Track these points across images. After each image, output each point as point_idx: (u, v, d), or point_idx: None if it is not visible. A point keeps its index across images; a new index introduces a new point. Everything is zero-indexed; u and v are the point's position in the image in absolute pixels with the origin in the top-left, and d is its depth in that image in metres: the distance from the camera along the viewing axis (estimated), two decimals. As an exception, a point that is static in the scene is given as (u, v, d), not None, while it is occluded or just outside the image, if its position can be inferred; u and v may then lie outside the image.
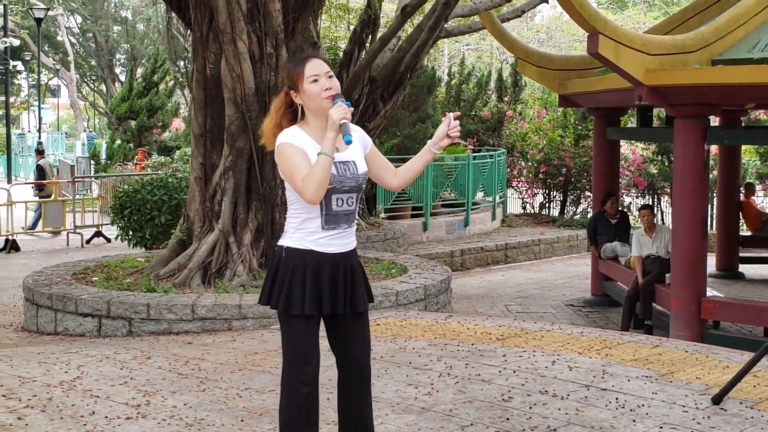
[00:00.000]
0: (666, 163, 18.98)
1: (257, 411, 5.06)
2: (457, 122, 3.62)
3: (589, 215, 19.10)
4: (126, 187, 11.90)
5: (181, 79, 28.20)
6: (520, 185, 20.27)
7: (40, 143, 29.80)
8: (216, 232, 8.32)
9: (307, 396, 3.60)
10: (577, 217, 18.82)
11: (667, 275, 9.94)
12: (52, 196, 17.97)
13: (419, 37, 13.20)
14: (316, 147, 3.52)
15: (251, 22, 8.18)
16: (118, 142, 25.05)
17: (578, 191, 19.20)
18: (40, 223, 16.92)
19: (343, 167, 3.57)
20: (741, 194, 13.49)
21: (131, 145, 24.79)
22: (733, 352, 6.34)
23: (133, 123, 24.94)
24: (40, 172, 19.39)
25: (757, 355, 4.97)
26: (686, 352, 6.28)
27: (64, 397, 5.39)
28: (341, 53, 14.41)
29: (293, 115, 3.68)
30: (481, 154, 17.56)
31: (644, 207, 10.94)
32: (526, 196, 20.35)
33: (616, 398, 5.13)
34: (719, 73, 8.60)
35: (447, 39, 27.08)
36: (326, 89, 3.55)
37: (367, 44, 14.06)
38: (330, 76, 3.59)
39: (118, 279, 8.50)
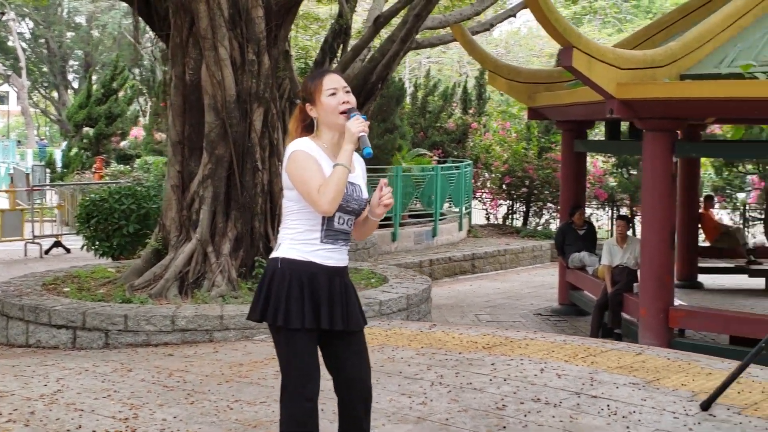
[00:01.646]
0: (625, 176, 19.27)
1: (250, 423, 4.99)
2: (389, 189, 3.59)
3: (552, 226, 19.38)
4: (92, 195, 11.69)
5: (140, 87, 27.86)
6: (483, 196, 20.41)
7: None
8: (193, 242, 8.20)
9: (311, 412, 3.52)
10: (540, 228, 18.99)
11: (635, 285, 10.07)
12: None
13: (391, 48, 13.23)
14: (327, 160, 3.50)
15: (233, 29, 8.11)
16: (75, 150, 24.63)
17: (541, 202, 19.38)
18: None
19: (351, 188, 3.54)
20: (700, 206, 13.71)
21: (88, 153, 24.36)
22: (713, 359, 6.45)
23: (91, 131, 24.54)
24: None
25: (743, 362, 5.04)
26: (668, 359, 6.37)
27: (46, 410, 5.25)
28: (311, 62, 14.37)
29: (309, 129, 3.64)
30: (447, 165, 17.63)
31: (620, 218, 11.08)
32: (489, 207, 20.50)
33: (608, 405, 5.18)
34: (688, 88, 8.75)
35: (408, 51, 27.11)
36: (343, 103, 3.53)
37: (338, 54, 14.06)
38: (347, 91, 3.57)
39: (90, 290, 8.33)
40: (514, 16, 15.61)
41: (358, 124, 3.45)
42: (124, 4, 39.34)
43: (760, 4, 9.23)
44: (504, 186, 19.34)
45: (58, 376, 6.13)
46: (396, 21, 14.16)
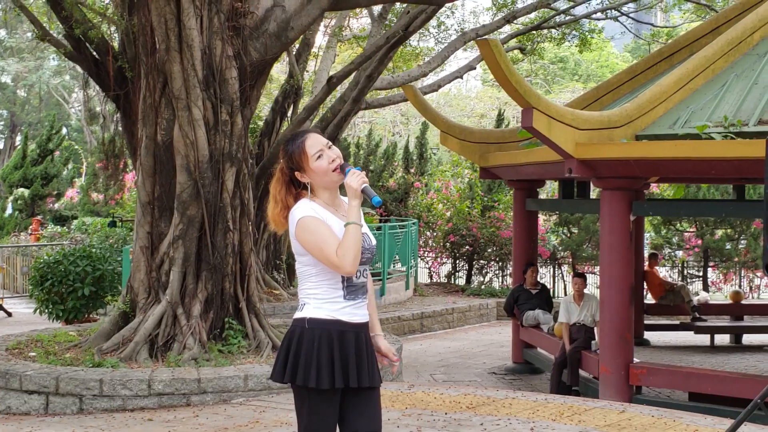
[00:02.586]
0: (567, 234, 19.67)
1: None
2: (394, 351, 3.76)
3: (495, 284, 19.60)
4: (46, 257, 11.40)
5: (75, 147, 27.41)
6: (426, 255, 20.54)
7: None
8: (163, 303, 8.06)
9: None
10: (483, 286, 19.17)
11: (593, 342, 10.20)
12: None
13: (342, 108, 13.41)
14: (332, 218, 3.53)
15: (207, 89, 8.11)
16: (9, 211, 24.03)
17: (484, 261, 19.60)
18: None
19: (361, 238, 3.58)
20: (645, 264, 14.04)
21: (23, 214, 23.79)
22: (695, 415, 6.58)
23: (26, 191, 24.00)
24: None
25: (739, 419, 5.15)
26: (652, 416, 6.48)
27: (36, 479, 5.07)
28: (261, 122, 14.42)
29: (295, 192, 3.65)
30: (392, 224, 17.74)
31: (577, 275, 11.24)
32: (432, 265, 20.62)
33: (607, 464, 5.23)
34: (644, 148, 9.01)
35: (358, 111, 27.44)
36: (332, 161, 3.56)
37: (289, 114, 14.15)
38: (330, 147, 3.60)
39: (57, 354, 8.09)
40: (461, 77, 15.98)
41: (357, 178, 3.50)
42: (53, 63, 38.97)
43: (710, 67, 9.63)
44: (447, 244, 19.52)
45: (38, 444, 5.91)
46: (347, 82, 14.37)
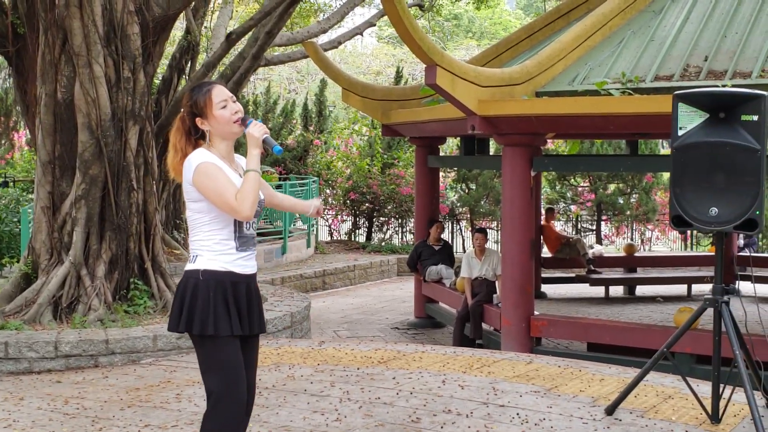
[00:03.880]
0: (465, 191, 20.01)
1: (171, 447, 4.90)
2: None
3: (395, 240, 19.81)
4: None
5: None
6: (326, 212, 20.57)
7: None
8: (66, 265, 7.87)
9: (242, 417, 3.63)
10: (384, 243, 19.37)
11: (494, 296, 10.48)
12: None
13: (242, 65, 13.20)
14: (227, 168, 3.63)
15: (108, 45, 7.87)
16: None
17: (384, 218, 19.78)
18: None
19: None
20: (542, 219, 14.45)
21: None
22: (600, 365, 6.87)
23: None
24: None
25: (645, 368, 5.42)
26: (559, 367, 6.74)
27: (-55, 446, 4.95)
28: (158, 80, 14.07)
29: (195, 141, 3.73)
30: (292, 182, 17.68)
31: (478, 230, 11.46)
32: (332, 223, 20.68)
33: (517, 414, 5.43)
34: (545, 105, 9.22)
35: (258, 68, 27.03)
36: (234, 113, 3.66)
37: (187, 70, 13.86)
38: (234, 101, 3.71)
39: (-45, 317, 7.81)
40: (361, 34, 15.98)
41: (259, 128, 3.62)
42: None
43: (607, 24, 9.89)
44: (348, 202, 19.60)
45: (-55, 410, 5.75)
46: (246, 39, 14.14)
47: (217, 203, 3.55)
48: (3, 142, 20.23)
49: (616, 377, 6.31)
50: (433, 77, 8.92)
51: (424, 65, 9.01)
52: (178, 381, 6.42)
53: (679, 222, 5.19)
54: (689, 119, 5.10)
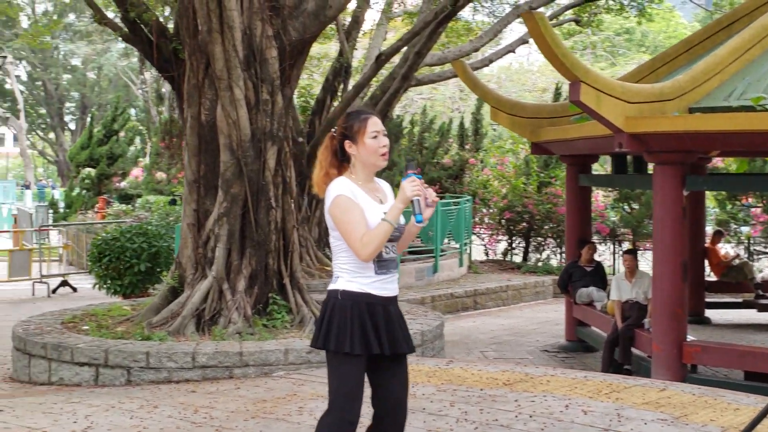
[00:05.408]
0: (627, 210, 19.37)
1: (283, 458, 4.99)
2: (430, 188, 3.76)
3: (553, 261, 19.40)
4: (104, 234, 11.74)
5: (140, 127, 27.98)
6: (482, 232, 20.45)
7: None
8: (209, 279, 8.24)
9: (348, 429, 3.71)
10: (540, 263, 19.02)
11: (645, 320, 10.07)
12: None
13: (392, 85, 13.40)
14: (366, 198, 3.72)
15: (248, 69, 8.22)
16: (77, 190, 24.73)
17: (541, 238, 19.43)
18: (7, 272, 16.56)
19: None
20: (706, 240, 13.76)
21: (90, 193, 24.47)
22: (738, 394, 6.46)
23: (92, 171, 24.66)
24: None
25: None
26: (693, 395, 6.38)
27: (79, 447, 5.26)
28: (313, 101, 14.51)
29: (338, 162, 3.84)
30: (446, 201, 17.71)
31: (628, 252, 11.08)
32: (488, 242, 20.53)
33: (638, 440, 5.19)
34: (698, 121, 8.80)
35: (408, 88, 27.46)
36: (383, 146, 3.77)
37: (339, 92, 14.21)
38: (385, 134, 3.81)
39: (109, 328, 8.34)
40: (513, 51, 15.83)
41: (414, 187, 3.64)
42: (121, 46, 39.76)
43: (767, 37, 9.36)
44: (503, 221, 19.41)
45: (86, 413, 6.14)
46: (396, 59, 14.36)
47: (344, 238, 3.68)
48: (174, 162, 21.46)
49: (752, 407, 5.91)
50: (577, 94, 8.74)
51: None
52: (303, 394, 6.56)
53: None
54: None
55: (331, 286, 3.79)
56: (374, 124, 3.77)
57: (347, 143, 3.79)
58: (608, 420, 5.67)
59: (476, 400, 6.24)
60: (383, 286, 3.76)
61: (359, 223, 3.65)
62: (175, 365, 7.24)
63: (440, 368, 7.37)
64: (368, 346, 3.68)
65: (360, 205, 3.70)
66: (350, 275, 3.73)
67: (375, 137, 3.75)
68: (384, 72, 15.57)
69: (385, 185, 3.93)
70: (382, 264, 3.75)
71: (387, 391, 3.82)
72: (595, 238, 19.51)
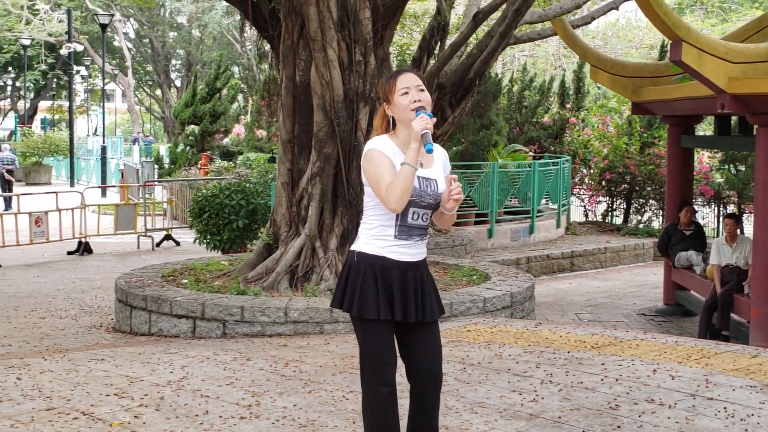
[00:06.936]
0: (733, 172, 18.75)
1: (366, 414, 5.12)
2: (459, 185, 3.65)
3: (655, 224, 18.99)
4: (204, 191, 12.09)
5: (242, 86, 28.48)
6: (581, 193, 20.14)
7: None
8: (303, 237, 8.43)
9: (388, 396, 3.67)
10: (641, 226, 18.65)
11: (745, 285, 9.84)
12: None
13: (489, 44, 13.23)
14: (403, 157, 3.60)
15: (341, 30, 8.29)
16: (181, 146, 25.46)
17: (643, 199, 19.02)
18: (113, 226, 17.27)
19: (425, 183, 3.66)
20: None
21: (194, 150, 25.17)
22: (835, 363, 6.26)
23: (196, 128, 25.32)
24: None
25: None
26: (787, 362, 6.22)
27: (174, 396, 5.51)
28: (409, 60, 14.47)
29: (388, 126, 3.78)
30: (544, 161, 17.50)
31: (729, 216, 10.81)
32: (588, 203, 20.22)
33: (725, 408, 5.11)
34: (807, 82, 8.48)
35: (506, 46, 27.04)
36: (415, 101, 3.63)
37: (436, 51, 14.12)
38: (421, 89, 3.68)
39: (207, 282, 8.65)
40: (617, 8, 15.38)
41: (421, 122, 3.55)
42: (225, 4, 40.41)
43: None
44: (603, 182, 19.06)
45: (182, 363, 6.41)
46: (495, 16, 14.15)
47: (374, 190, 3.61)
48: (274, 120, 21.79)
49: None
50: (679, 53, 8.54)
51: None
52: (391, 352, 6.67)
53: None
54: None
55: (353, 246, 3.75)
56: (404, 80, 3.66)
57: (384, 106, 3.75)
58: (695, 385, 5.59)
59: (562, 363, 6.23)
60: (402, 251, 3.64)
61: (387, 174, 3.55)
62: (268, 320, 7.46)
63: (528, 330, 7.38)
64: (381, 311, 3.59)
65: (391, 159, 3.60)
66: (369, 237, 3.66)
67: (405, 93, 3.63)
68: (482, 30, 15.40)
69: (438, 154, 3.78)
70: (403, 229, 3.64)
71: (410, 355, 3.74)
72: (698, 201, 19.01)
